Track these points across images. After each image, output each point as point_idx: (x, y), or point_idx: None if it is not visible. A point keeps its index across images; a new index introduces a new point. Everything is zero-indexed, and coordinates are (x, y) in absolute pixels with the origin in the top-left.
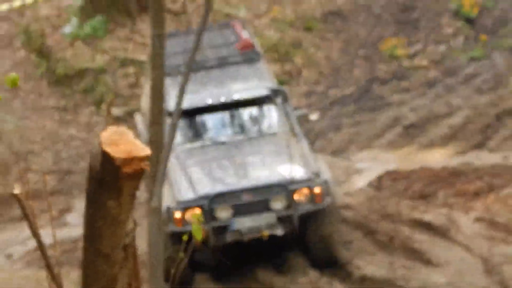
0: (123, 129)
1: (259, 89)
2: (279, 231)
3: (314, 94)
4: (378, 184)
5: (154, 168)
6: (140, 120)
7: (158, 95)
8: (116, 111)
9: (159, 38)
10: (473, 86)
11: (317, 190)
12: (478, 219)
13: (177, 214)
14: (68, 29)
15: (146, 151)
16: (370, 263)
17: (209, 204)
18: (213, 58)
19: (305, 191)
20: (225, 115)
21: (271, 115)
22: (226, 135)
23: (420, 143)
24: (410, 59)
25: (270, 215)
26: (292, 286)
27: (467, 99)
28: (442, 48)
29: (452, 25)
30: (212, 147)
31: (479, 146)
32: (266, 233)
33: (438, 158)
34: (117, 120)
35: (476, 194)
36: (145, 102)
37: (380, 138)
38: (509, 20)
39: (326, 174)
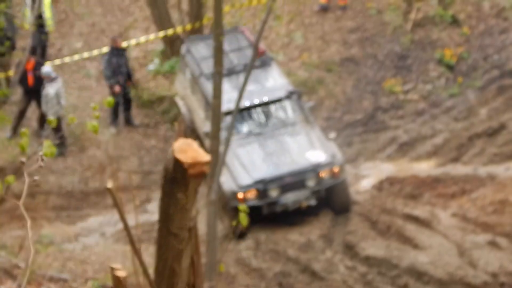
0: (190, 141)
1: (281, 90)
2: (313, 202)
3: (333, 118)
4: (379, 186)
5: (212, 170)
6: (181, 104)
7: (217, 117)
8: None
9: (218, 74)
10: (451, 115)
11: (336, 169)
12: (454, 215)
13: (240, 195)
14: (151, 66)
15: (207, 157)
16: (372, 246)
17: (263, 186)
18: (239, 64)
19: (328, 170)
20: (257, 112)
21: (291, 109)
22: (260, 127)
23: (411, 156)
24: (405, 94)
25: (306, 191)
26: (313, 263)
27: (446, 125)
28: (428, 86)
29: (436, 69)
30: (252, 138)
31: (455, 160)
32: (304, 204)
33: (424, 168)
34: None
35: (453, 196)
36: (179, 87)
37: (381, 152)
38: (479, 66)
39: (339, 154)
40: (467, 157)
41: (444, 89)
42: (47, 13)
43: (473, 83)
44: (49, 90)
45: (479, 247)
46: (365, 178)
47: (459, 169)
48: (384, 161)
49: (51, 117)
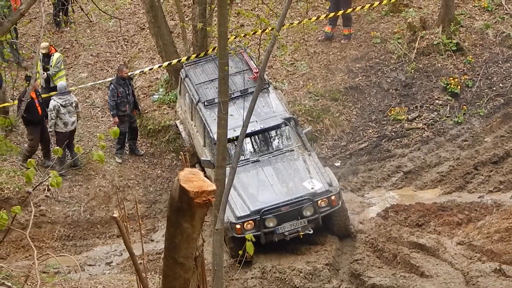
0: (196, 170)
1: (279, 117)
2: (310, 230)
3: (338, 147)
4: (384, 215)
5: (218, 199)
6: (182, 128)
7: (223, 146)
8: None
9: (224, 104)
10: (457, 144)
11: (333, 197)
12: (460, 243)
13: (238, 226)
14: (156, 96)
15: (212, 186)
16: (378, 274)
17: (260, 217)
18: (237, 91)
19: (325, 199)
20: (254, 140)
21: (288, 136)
22: (257, 155)
23: (416, 185)
24: (410, 123)
25: (303, 220)
26: None
27: (452, 153)
28: (433, 114)
29: (441, 98)
30: (249, 165)
31: (461, 188)
32: (301, 233)
33: (430, 196)
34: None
35: (458, 224)
36: (179, 111)
37: (386, 181)
38: (484, 94)
39: (335, 182)
40: (472, 185)
41: (449, 117)
42: (56, 67)
43: (478, 111)
44: (51, 102)
45: (485, 275)
46: (371, 207)
47: (464, 197)
48: (389, 190)
49: (49, 129)
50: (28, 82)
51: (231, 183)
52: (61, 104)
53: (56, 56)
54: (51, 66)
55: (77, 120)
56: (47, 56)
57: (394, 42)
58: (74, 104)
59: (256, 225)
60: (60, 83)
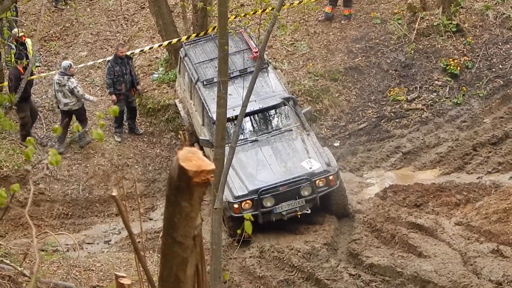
0: (195, 149)
1: (278, 97)
2: (308, 210)
3: (337, 127)
4: (383, 195)
5: (217, 178)
6: (181, 107)
7: (222, 126)
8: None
9: (223, 84)
10: (456, 124)
11: (331, 177)
12: (458, 223)
13: (235, 205)
14: (156, 75)
15: (211, 166)
16: (376, 254)
17: (257, 197)
18: (236, 70)
19: (323, 179)
20: (252, 119)
21: (287, 116)
22: (256, 134)
23: (415, 165)
24: (409, 103)
25: (301, 200)
26: (318, 271)
27: (451, 133)
28: (433, 95)
29: (440, 79)
30: (248, 145)
31: (459, 168)
32: (299, 212)
33: (428, 177)
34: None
35: (457, 205)
36: (179, 90)
37: (385, 161)
38: (483, 76)
39: (333, 162)
40: (471, 166)
41: (448, 98)
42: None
43: (477, 93)
44: (54, 77)
45: (483, 256)
46: (369, 187)
47: (463, 178)
48: (388, 170)
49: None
50: (16, 61)
51: (230, 162)
52: (56, 82)
53: (29, 42)
54: (28, 52)
55: (77, 105)
56: (21, 44)
57: (394, 23)
58: (67, 88)
59: (254, 204)
60: (64, 62)
